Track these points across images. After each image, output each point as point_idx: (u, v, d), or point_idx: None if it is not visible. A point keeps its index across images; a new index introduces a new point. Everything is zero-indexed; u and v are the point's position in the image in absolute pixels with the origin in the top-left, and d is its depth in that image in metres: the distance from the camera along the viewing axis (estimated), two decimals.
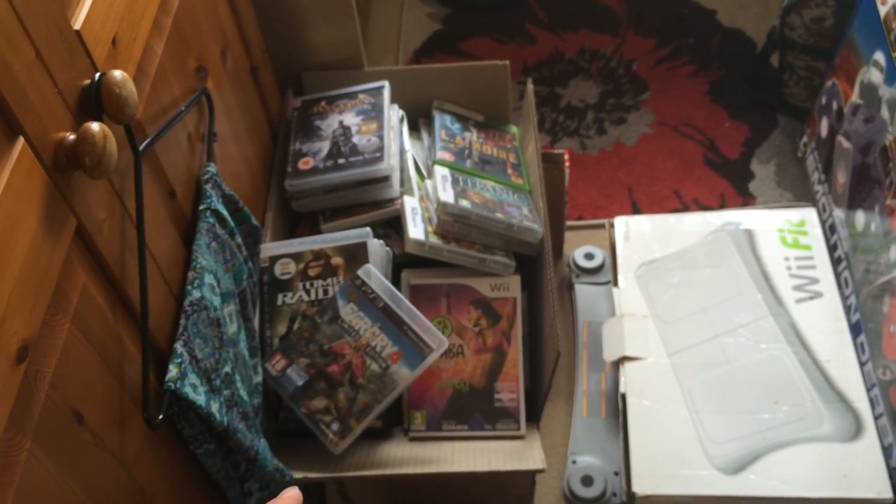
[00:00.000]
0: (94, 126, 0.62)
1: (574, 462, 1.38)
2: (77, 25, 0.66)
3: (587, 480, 1.34)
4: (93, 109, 0.66)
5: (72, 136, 0.63)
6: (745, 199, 1.67)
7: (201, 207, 0.88)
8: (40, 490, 0.59)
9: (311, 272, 1.07)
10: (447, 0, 2.10)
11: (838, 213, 1.45)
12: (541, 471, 0.97)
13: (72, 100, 0.65)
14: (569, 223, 1.65)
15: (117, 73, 0.67)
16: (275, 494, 0.94)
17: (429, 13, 2.09)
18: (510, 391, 1.07)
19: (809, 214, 1.49)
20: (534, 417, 1.09)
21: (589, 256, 1.60)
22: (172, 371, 0.76)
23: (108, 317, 0.70)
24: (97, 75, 0.67)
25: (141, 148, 0.74)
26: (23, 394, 0.57)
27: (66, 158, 0.62)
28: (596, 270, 1.60)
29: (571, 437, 1.41)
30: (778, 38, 1.62)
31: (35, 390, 0.58)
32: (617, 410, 1.34)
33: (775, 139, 1.75)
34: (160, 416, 0.73)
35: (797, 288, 1.40)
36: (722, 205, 1.67)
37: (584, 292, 1.59)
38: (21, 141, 0.58)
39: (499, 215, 1.11)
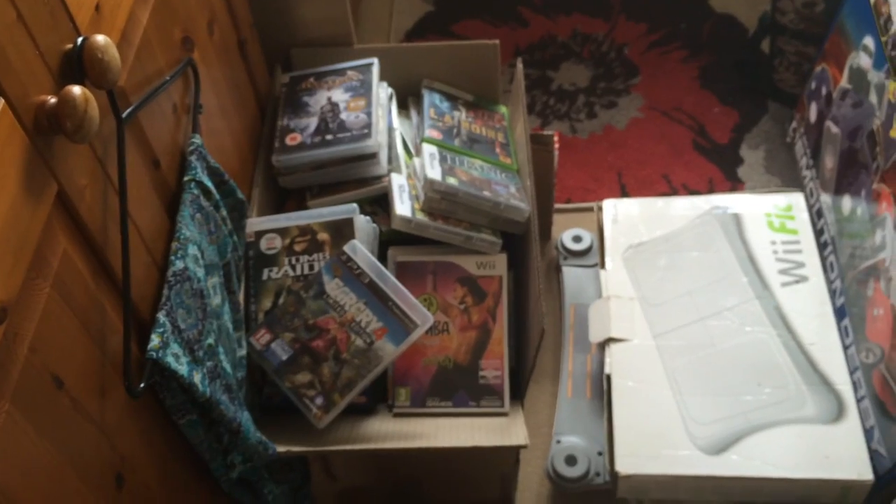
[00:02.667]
0: (76, 89, 0.62)
1: (558, 442, 1.39)
2: None
3: (571, 460, 1.35)
4: (75, 74, 0.66)
5: (53, 100, 0.62)
6: (734, 185, 1.68)
7: (186, 178, 0.88)
8: (18, 452, 0.59)
9: (297, 247, 1.07)
10: None
11: (825, 198, 1.45)
12: (524, 446, 0.97)
13: (54, 63, 0.64)
14: (557, 206, 1.65)
15: (100, 38, 0.66)
16: (257, 467, 0.95)
17: None
18: (495, 369, 1.07)
19: (797, 199, 1.49)
20: (518, 395, 1.09)
21: (577, 239, 1.60)
22: (154, 340, 0.76)
23: (89, 284, 0.69)
24: (80, 40, 0.66)
25: (124, 115, 0.73)
26: (1, 355, 0.57)
27: (48, 122, 0.62)
28: (584, 253, 1.60)
29: (556, 417, 1.42)
30: (769, 24, 1.62)
31: (13, 352, 0.58)
32: (602, 392, 1.34)
33: (765, 125, 1.76)
34: (141, 385, 0.73)
35: (783, 272, 1.41)
36: (710, 189, 1.67)
37: (572, 275, 1.59)
38: (1, 103, 0.58)
39: (486, 193, 1.11)
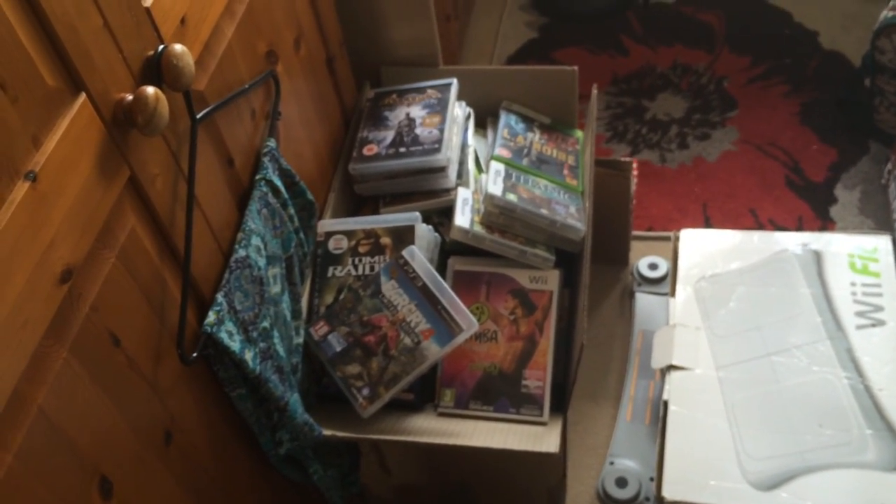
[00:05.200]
0: (149, 89, 0.72)
1: (612, 463, 1.40)
2: (147, 3, 0.76)
3: (621, 482, 1.36)
4: (153, 77, 0.76)
5: (130, 97, 0.73)
6: (824, 223, 1.64)
7: (257, 177, 0.97)
8: (74, 396, 0.69)
9: (361, 249, 1.15)
10: (546, 9, 2.15)
11: None
12: (552, 455, 1.00)
13: (136, 66, 0.75)
14: (637, 233, 1.67)
15: (177, 47, 0.76)
16: (303, 447, 1.03)
17: (527, 21, 2.14)
18: (537, 379, 1.11)
19: (884, 242, 1.45)
20: (561, 408, 1.12)
21: (653, 266, 1.61)
22: (211, 316, 0.85)
23: (153, 259, 0.79)
24: (160, 47, 0.77)
25: (199, 115, 0.83)
26: (63, 310, 0.67)
27: (124, 116, 0.72)
28: (658, 281, 1.61)
29: (613, 439, 1.44)
30: (869, 62, 1.59)
31: (76, 309, 0.68)
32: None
33: (864, 165, 1.71)
34: (194, 354, 0.82)
35: (860, 314, 1.37)
36: (799, 227, 1.65)
37: (644, 301, 1.60)
38: (83, 96, 0.68)
39: (543, 211, 1.16)
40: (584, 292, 1.08)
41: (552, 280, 1.16)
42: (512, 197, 1.15)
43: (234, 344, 0.88)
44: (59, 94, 0.66)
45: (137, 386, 0.78)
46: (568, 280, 1.22)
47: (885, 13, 1.52)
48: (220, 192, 0.92)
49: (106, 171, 0.71)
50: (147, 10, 0.76)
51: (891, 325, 1.34)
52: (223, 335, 0.86)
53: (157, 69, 0.76)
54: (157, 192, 0.79)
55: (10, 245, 0.60)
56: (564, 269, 1.21)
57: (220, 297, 0.87)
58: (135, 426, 0.77)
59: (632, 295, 1.61)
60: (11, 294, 0.61)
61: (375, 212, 1.26)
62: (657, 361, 1.41)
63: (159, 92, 0.72)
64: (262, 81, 0.99)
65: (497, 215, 1.15)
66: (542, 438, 1.04)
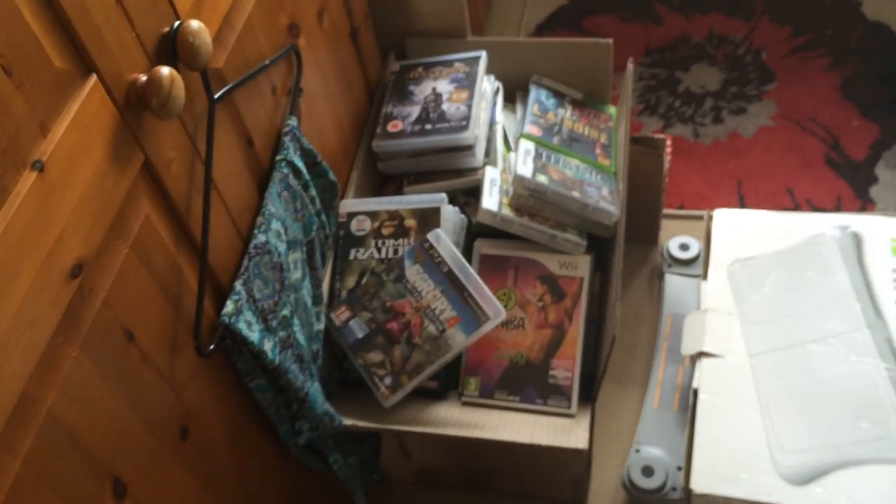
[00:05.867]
0: (164, 70, 0.67)
1: (638, 451, 1.36)
2: None
3: (647, 471, 1.32)
4: (168, 55, 0.72)
5: (143, 78, 0.68)
6: (864, 204, 1.58)
7: (277, 158, 0.93)
8: (86, 396, 0.65)
9: (385, 231, 1.11)
10: None
11: None
12: (581, 450, 0.97)
13: (150, 45, 0.70)
14: (668, 211, 1.61)
15: (194, 23, 0.72)
16: (323, 437, 1.00)
17: None
18: (566, 369, 1.07)
19: None
20: (589, 398, 1.09)
21: (684, 247, 1.56)
22: (229, 306, 0.82)
23: (169, 248, 0.76)
24: (176, 24, 0.72)
25: (216, 95, 0.79)
26: (74, 306, 0.63)
27: (137, 98, 0.68)
28: (690, 262, 1.56)
29: (639, 426, 1.40)
30: None
31: (86, 305, 0.65)
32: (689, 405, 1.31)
33: None
34: (211, 347, 0.79)
35: None
36: (837, 208, 1.58)
37: (674, 283, 1.55)
38: (94, 78, 0.64)
39: (575, 194, 1.11)
40: (616, 280, 1.04)
41: (583, 266, 1.11)
42: (542, 178, 1.10)
43: (253, 334, 0.84)
44: (67, 77, 0.62)
45: (152, 381, 0.74)
46: (598, 263, 1.17)
47: None
48: (239, 173, 0.88)
49: (119, 157, 0.67)
50: None
51: None
52: (241, 325, 0.83)
53: (173, 47, 0.72)
54: (172, 177, 0.75)
55: (16, 240, 0.57)
56: (595, 252, 1.16)
57: (238, 286, 0.84)
58: (149, 423, 0.74)
59: (661, 276, 1.56)
60: (19, 292, 0.57)
61: (399, 190, 1.21)
62: (687, 348, 1.37)
63: (175, 72, 0.68)
64: (283, 56, 0.94)
65: (526, 198, 1.10)
66: (569, 432, 1.00)
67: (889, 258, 1.37)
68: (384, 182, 1.25)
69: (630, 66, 1.26)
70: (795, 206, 1.60)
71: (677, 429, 1.37)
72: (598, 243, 1.18)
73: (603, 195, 1.14)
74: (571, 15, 1.99)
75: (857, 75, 1.76)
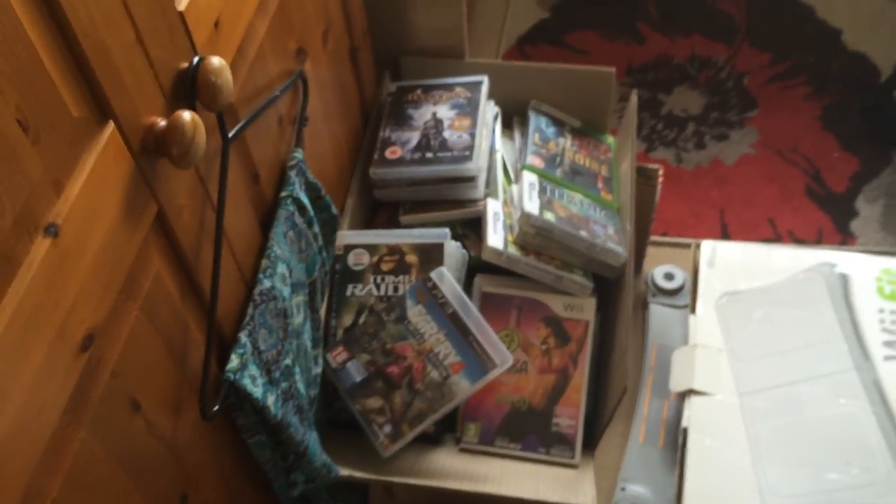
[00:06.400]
0: (186, 115, 0.60)
1: (623, 489, 1.34)
2: (181, 6, 0.64)
3: None
4: (187, 94, 0.65)
5: (162, 122, 0.61)
6: (845, 238, 1.58)
7: (283, 194, 0.86)
8: (90, 478, 0.59)
9: (384, 266, 1.05)
10: None
11: None
12: None
13: (167, 83, 0.63)
14: (652, 238, 1.59)
15: (215, 61, 0.65)
16: (319, 488, 0.94)
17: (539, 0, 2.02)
18: (570, 417, 1.04)
19: None
20: (590, 445, 1.05)
21: (669, 277, 1.54)
22: (234, 361, 0.75)
23: (177, 303, 0.69)
24: (195, 59, 0.65)
25: (231, 134, 0.72)
26: (82, 383, 0.56)
27: (155, 144, 0.61)
28: (675, 292, 1.54)
29: (624, 462, 1.37)
30: None
31: (96, 378, 0.58)
32: (675, 441, 1.29)
33: (887, 177, 1.65)
34: (216, 408, 0.73)
35: (888, 344, 1.32)
36: (818, 240, 1.58)
37: (659, 313, 1.53)
38: (111, 126, 0.57)
39: (583, 233, 1.07)
40: (625, 327, 1.00)
41: (588, 308, 1.07)
42: (549, 216, 1.06)
43: (258, 389, 0.78)
44: (84, 127, 0.54)
45: (155, 452, 0.67)
46: (598, 303, 1.14)
47: None
48: (245, 213, 0.81)
49: (133, 210, 0.60)
50: (181, 14, 0.64)
51: None
52: (246, 381, 0.76)
53: (192, 85, 0.65)
54: (183, 225, 0.68)
55: (27, 318, 0.50)
56: (596, 290, 1.12)
57: (243, 338, 0.77)
58: (151, 497, 0.67)
59: (645, 305, 1.53)
60: (28, 378, 0.50)
61: (393, 216, 1.15)
62: (676, 384, 1.35)
63: (196, 118, 0.61)
64: (291, 85, 0.87)
65: (533, 236, 1.06)
66: (575, 487, 0.97)
67: (875, 298, 1.38)
68: (377, 208, 1.19)
69: (634, 97, 1.23)
70: (777, 238, 1.60)
71: (663, 466, 1.35)
72: (599, 281, 1.14)
73: (609, 234, 1.10)
74: (553, 28, 1.96)
75: (837, 106, 1.76)
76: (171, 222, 0.66)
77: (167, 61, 0.63)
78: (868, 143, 1.70)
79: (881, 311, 1.36)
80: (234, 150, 0.78)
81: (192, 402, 0.72)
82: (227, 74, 0.65)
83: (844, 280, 1.41)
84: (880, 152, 1.68)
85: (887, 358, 1.31)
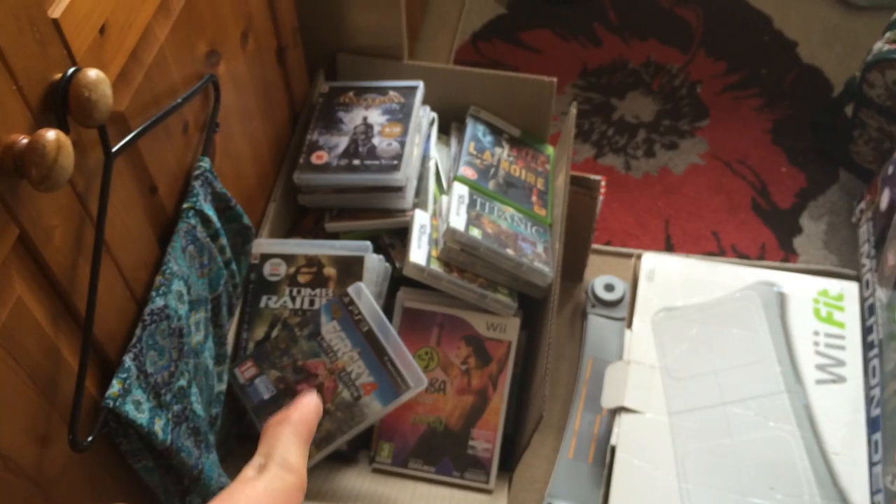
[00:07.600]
0: (49, 134, 0.56)
1: None
2: (55, 14, 0.59)
3: None
4: (58, 109, 0.60)
5: (24, 140, 0.56)
6: (787, 255, 1.57)
7: (184, 206, 0.82)
8: None
9: (301, 279, 1.01)
10: None
11: (881, 295, 1.34)
12: None
13: (34, 97, 0.58)
14: (595, 246, 1.56)
15: (91, 73, 0.60)
16: None
17: None
18: (486, 440, 1.01)
19: (850, 289, 1.39)
20: (507, 468, 1.02)
21: (609, 288, 1.52)
22: (115, 387, 0.71)
23: (45, 331, 0.64)
24: (70, 71, 0.60)
25: (115, 149, 0.67)
26: None
27: (13, 165, 0.56)
28: (614, 304, 1.52)
29: (553, 477, 1.35)
30: (856, 91, 1.50)
31: None
32: (605, 458, 1.27)
33: (832, 195, 1.64)
34: (89, 439, 0.68)
35: (820, 367, 1.31)
36: (761, 256, 1.57)
37: (597, 325, 1.51)
38: None
39: (509, 251, 1.03)
40: (545, 351, 0.97)
41: (511, 329, 1.04)
42: (476, 233, 1.02)
43: (142, 416, 0.74)
44: None
45: (14, 488, 0.63)
46: (524, 321, 1.11)
47: (880, 45, 1.42)
48: (138, 227, 0.76)
49: None
50: (55, 21, 0.59)
51: (851, 382, 1.29)
52: (129, 407, 0.72)
53: (64, 99, 0.60)
54: (54, 247, 0.63)
55: None
56: (522, 308, 1.09)
57: (128, 361, 0.73)
58: None
59: (584, 315, 1.51)
60: None
61: (319, 223, 1.11)
62: (608, 401, 1.33)
63: (62, 136, 0.56)
64: (196, 93, 0.82)
65: (457, 252, 1.02)
66: None
67: (811, 320, 1.37)
68: (302, 213, 1.15)
69: (573, 110, 1.19)
70: (721, 252, 1.58)
71: (591, 482, 1.33)
72: (526, 300, 1.11)
73: (538, 252, 1.07)
74: (509, 26, 1.91)
75: (788, 119, 1.75)
76: (38, 245, 0.61)
77: (34, 73, 0.58)
78: (816, 160, 1.69)
79: (816, 333, 1.35)
80: (126, 163, 0.73)
81: (64, 434, 0.68)
82: (104, 88, 0.60)
83: (782, 300, 1.39)
84: (827, 169, 1.67)
85: (819, 381, 1.30)
